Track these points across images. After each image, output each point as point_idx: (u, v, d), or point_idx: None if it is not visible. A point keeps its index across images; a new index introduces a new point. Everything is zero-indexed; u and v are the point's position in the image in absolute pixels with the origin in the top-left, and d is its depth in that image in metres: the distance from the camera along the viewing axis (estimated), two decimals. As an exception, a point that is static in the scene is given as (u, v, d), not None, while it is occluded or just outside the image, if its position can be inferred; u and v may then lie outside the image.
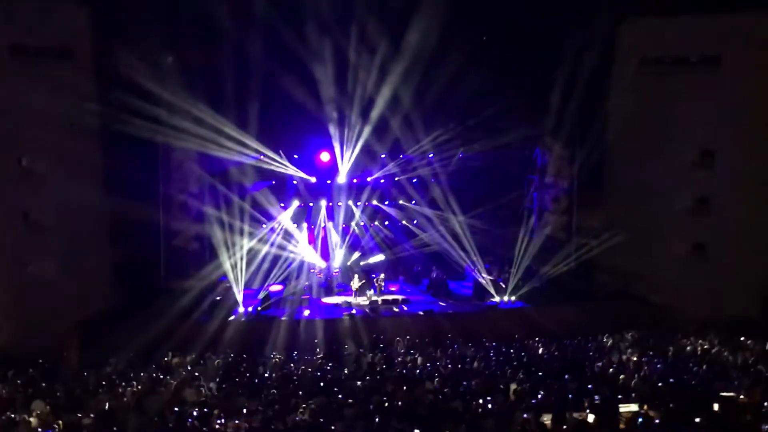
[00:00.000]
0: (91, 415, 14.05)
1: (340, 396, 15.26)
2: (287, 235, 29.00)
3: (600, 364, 18.45)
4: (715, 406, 12.58)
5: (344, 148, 27.29)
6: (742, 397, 13.49)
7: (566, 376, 16.62)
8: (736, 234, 26.02)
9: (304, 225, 30.18)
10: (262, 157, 26.72)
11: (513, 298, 26.74)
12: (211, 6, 22.66)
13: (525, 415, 12.17)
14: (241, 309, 24.92)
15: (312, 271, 29.25)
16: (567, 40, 24.80)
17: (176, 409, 14.31)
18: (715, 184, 26.20)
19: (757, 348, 19.50)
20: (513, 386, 15.48)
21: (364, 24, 23.88)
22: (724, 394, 13.57)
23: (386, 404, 14.58)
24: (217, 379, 17.60)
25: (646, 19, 26.16)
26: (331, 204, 30.41)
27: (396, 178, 30.20)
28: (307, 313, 25.23)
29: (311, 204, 30.24)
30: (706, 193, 26.40)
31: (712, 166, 26.21)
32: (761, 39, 25.29)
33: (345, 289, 28.39)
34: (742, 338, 20.81)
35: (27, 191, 23.70)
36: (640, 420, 11.49)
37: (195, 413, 13.86)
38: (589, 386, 15.47)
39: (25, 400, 15.37)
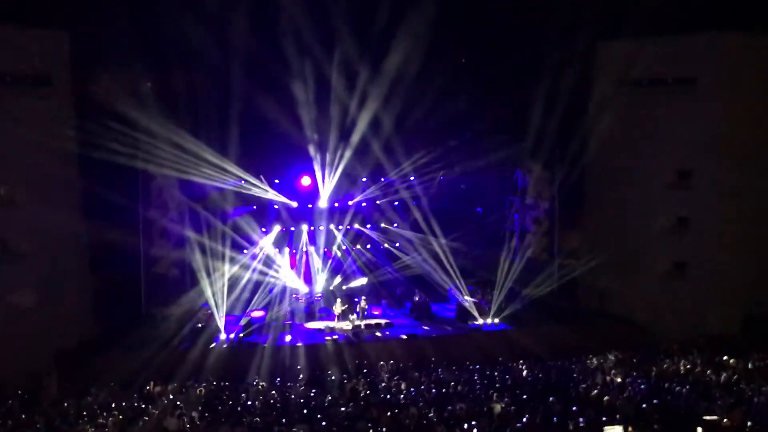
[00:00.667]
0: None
1: (323, 423, 15.17)
2: (269, 261, 28.85)
3: (584, 385, 18.45)
4: (699, 431, 12.58)
5: (325, 172, 27.29)
6: (725, 420, 13.49)
7: (551, 398, 16.61)
8: (715, 252, 26.15)
9: (286, 250, 30.02)
10: (242, 182, 26.65)
11: (496, 320, 26.75)
12: (190, 32, 22.71)
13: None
14: (222, 336, 24.70)
15: (294, 296, 29.08)
16: (545, 63, 25.07)
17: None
18: (693, 203, 26.37)
19: (739, 367, 19.57)
20: (497, 407, 15.44)
21: (343, 49, 24.02)
22: (708, 417, 13.59)
23: (370, 430, 14.51)
24: (200, 408, 17.45)
25: (623, 41, 26.42)
26: (312, 228, 30.28)
27: (377, 202, 30.18)
28: (289, 338, 25.08)
29: (293, 229, 30.08)
30: (685, 213, 26.56)
31: (690, 186, 26.38)
32: (736, 59, 25.59)
33: (327, 314, 28.23)
34: (724, 357, 20.87)
35: (5, 219, 23.41)
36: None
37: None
38: (574, 408, 15.48)
39: (3, 433, 15.18)
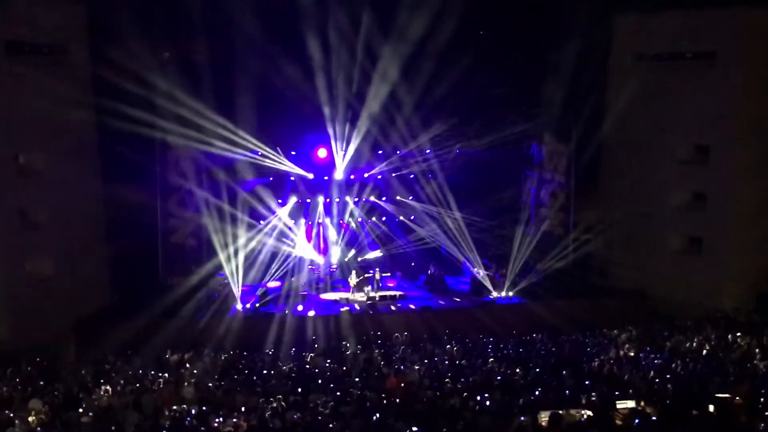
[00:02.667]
0: (90, 414, 14.10)
1: (338, 393, 15.31)
2: (285, 232, 28.96)
3: (597, 359, 18.51)
4: (711, 408, 12.59)
5: (341, 144, 27.30)
6: (738, 399, 13.50)
7: (564, 372, 16.69)
8: (731, 229, 26.00)
9: (302, 221, 30.13)
10: (259, 153, 26.69)
11: (510, 293, 26.79)
12: (206, 3, 22.69)
13: (522, 418, 12.16)
14: (239, 306, 24.92)
15: (310, 267, 29.26)
16: (563, 36, 24.85)
17: (175, 407, 14.36)
18: (710, 178, 26.16)
19: (752, 343, 19.55)
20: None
21: (361, 20, 23.92)
22: (720, 395, 13.60)
23: (384, 401, 14.63)
24: (216, 377, 17.65)
25: (642, 15, 26.15)
26: (328, 200, 30.36)
27: (393, 174, 30.15)
28: (300, 308, 25.27)
29: (309, 200, 30.18)
30: (701, 188, 26.39)
31: (707, 161, 26.19)
32: (756, 34, 25.21)
33: (343, 286, 28.44)
34: (738, 333, 20.84)
35: (24, 188, 23.63)
36: (637, 421, 11.50)
37: (193, 411, 13.91)
38: (587, 382, 15.54)
39: (22, 399, 15.40)
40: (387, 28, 24.01)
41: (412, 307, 25.73)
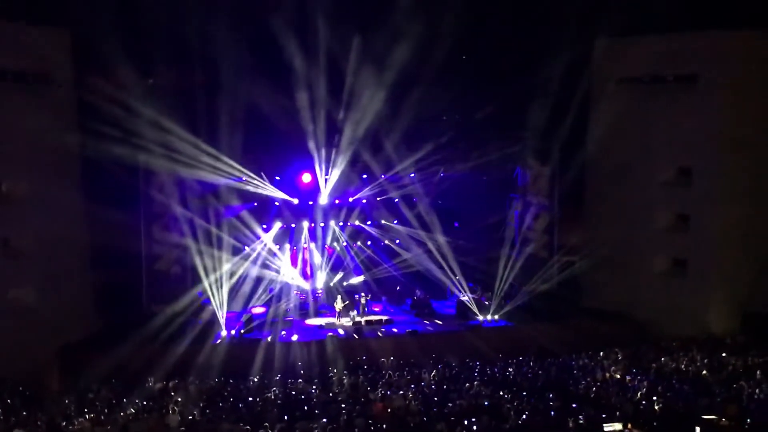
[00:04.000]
0: (73, 444, 13.97)
1: (324, 419, 15.22)
2: (270, 257, 28.88)
3: (584, 382, 18.50)
4: (698, 430, 12.61)
5: (326, 169, 27.33)
6: (723, 420, 13.53)
7: (550, 395, 16.67)
8: (715, 250, 26.16)
9: (287, 246, 30.06)
10: (243, 179, 26.67)
11: (496, 316, 26.79)
12: (191, 30, 22.75)
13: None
14: (224, 332, 24.76)
15: (295, 292, 29.13)
16: (545, 60, 25.05)
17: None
18: (693, 200, 26.35)
19: (738, 364, 19.62)
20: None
21: (345, 45, 24.04)
22: (706, 416, 13.64)
23: (371, 427, 14.57)
24: (201, 404, 17.52)
25: (623, 39, 26.38)
26: (313, 225, 30.33)
27: (378, 198, 30.19)
28: (284, 333, 25.13)
29: (293, 225, 30.13)
30: (684, 210, 26.57)
31: (690, 183, 26.38)
32: (737, 58, 25.50)
33: (328, 311, 28.33)
34: (723, 354, 20.91)
35: (6, 216, 23.43)
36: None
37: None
38: (574, 405, 15.53)
39: (5, 429, 15.22)
40: (371, 54, 24.12)
41: (395, 330, 25.71)
